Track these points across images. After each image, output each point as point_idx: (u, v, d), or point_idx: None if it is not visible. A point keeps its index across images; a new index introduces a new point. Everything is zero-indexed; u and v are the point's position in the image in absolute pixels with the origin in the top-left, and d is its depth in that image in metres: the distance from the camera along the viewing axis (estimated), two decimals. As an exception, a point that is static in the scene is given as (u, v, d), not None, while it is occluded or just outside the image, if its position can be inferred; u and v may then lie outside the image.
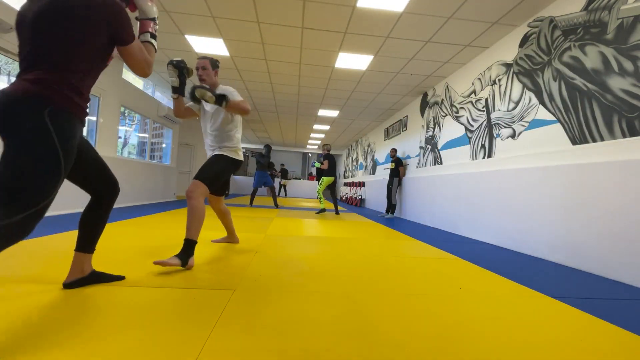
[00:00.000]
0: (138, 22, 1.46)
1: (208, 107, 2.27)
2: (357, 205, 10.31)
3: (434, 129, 5.60)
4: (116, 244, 2.47)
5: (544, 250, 2.95)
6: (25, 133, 1.10)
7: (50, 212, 3.76)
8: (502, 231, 3.55)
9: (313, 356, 1.03)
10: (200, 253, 2.37)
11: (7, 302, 1.30)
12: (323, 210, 6.32)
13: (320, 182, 6.21)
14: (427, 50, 4.31)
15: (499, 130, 3.78)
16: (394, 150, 6.76)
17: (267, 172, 7.07)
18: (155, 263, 1.80)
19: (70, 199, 4.19)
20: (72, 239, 2.53)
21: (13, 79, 3.93)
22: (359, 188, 10.52)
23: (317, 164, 6.24)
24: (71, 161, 1.21)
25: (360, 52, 4.51)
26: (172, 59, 2.05)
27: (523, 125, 3.39)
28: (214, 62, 2.24)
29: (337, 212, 6.26)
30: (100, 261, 1.99)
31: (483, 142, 4.10)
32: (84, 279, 1.50)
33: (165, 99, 7.70)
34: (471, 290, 1.83)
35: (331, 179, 6.11)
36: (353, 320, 1.32)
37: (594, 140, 2.60)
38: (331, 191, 6.43)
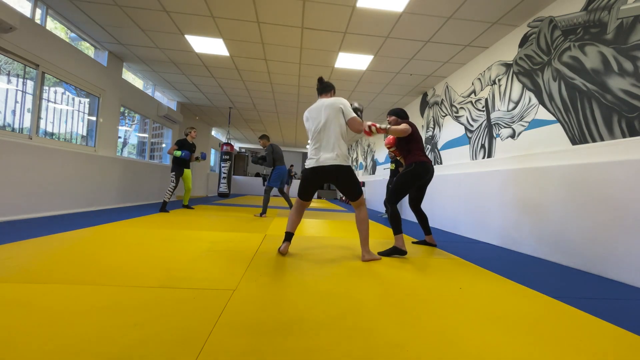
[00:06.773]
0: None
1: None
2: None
3: (433, 129, 5.60)
4: (116, 245, 2.47)
5: (544, 250, 2.95)
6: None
7: (49, 213, 3.76)
8: (502, 231, 3.55)
9: (313, 356, 1.03)
10: (200, 253, 2.37)
11: (6, 303, 1.30)
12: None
13: None
14: (427, 50, 4.31)
15: (499, 130, 3.78)
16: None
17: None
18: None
19: (71, 199, 4.19)
20: (71, 239, 2.54)
21: (13, 79, 3.89)
22: (358, 188, 10.51)
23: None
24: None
25: (360, 52, 4.51)
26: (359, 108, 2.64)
27: (523, 125, 3.39)
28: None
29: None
30: (100, 261, 1.99)
31: (483, 142, 4.10)
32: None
33: (165, 99, 7.67)
34: (471, 290, 1.83)
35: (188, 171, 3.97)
36: (353, 320, 1.32)
37: (594, 140, 2.61)
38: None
